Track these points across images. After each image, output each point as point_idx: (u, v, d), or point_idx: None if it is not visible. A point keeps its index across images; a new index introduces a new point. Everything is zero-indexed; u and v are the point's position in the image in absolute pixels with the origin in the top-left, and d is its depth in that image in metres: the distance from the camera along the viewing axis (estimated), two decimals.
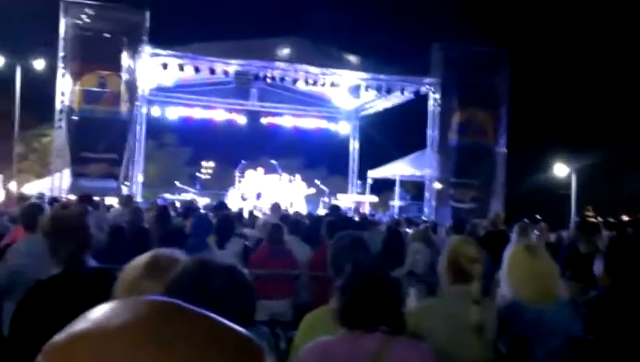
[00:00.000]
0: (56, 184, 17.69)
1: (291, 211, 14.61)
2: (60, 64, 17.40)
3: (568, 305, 3.33)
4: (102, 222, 6.68)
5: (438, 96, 19.68)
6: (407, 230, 11.72)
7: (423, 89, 19.95)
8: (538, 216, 15.75)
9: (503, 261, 3.37)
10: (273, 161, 22.94)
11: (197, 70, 18.01)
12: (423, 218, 18.09)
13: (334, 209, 10.66)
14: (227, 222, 7.01)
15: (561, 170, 26.11)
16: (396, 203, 22.89)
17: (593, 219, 16.86)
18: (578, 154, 25.37)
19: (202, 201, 19.46)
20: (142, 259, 1.95)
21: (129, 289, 1.91)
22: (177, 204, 14.37)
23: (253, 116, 23.38)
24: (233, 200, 19.60)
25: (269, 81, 19.34)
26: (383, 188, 25.11)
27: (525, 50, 20.35)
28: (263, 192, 21.10)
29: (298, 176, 22.07)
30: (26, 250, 4.54)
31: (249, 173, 22.46)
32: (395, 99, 21.17)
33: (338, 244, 3.39)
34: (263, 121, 23.58)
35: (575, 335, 3.13)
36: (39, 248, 4.43)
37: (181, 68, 17.91)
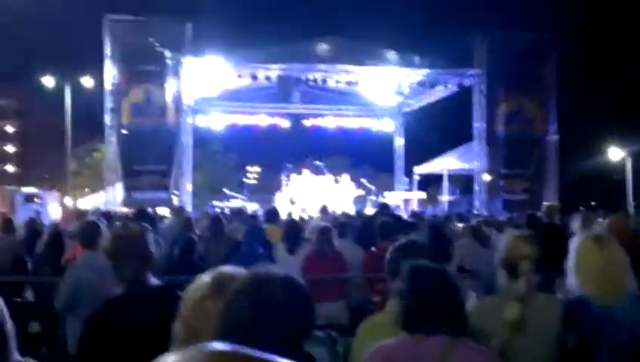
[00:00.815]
0: (109, 198, 18.16)
1: (339, 212, 14.58)
2: (107, 80, 17.86)
3: (638, 299, 3.14)
4: (159, 237, 6.81)
5: (483, 86, 19.29)
6: (458, 225, 11.54)
7: (467, 81, 19.61)
8: (593, 203, 15.26)
9: (570, 253, 3.21)
10: (318, 163, 22.96)
11: (239, 77, 18.21)
12: (475, 211, 17.80)
13: (384, 208, 10.53)
14: (294, 228, 7.06)
15: (615, 153, 25.26)
16: (445, 198, 22.62)
17: None
18: (632, 136, 24.48)
19: (250, 207, 19.64)
20: (205, 278, 1.96)
21: (194, 309, 1.92)
22: (227, 211, 14.52)
23: (296, 119, 23.46)
24: (281, 205, 19.72)
25: (310, 83, 19.39)
26: (430, 183, 24.85)
27: (573, 33, 19.71)
28: (309, 195, 21.15)
29: (345, 177, 22.01)
30: (86, 266, 4.67)
31: (295, 176, 22.55)
32: (438, 93, 20.88)
33: (394, 251, 3.35)
34: (306, 123, 23.63)
35: None
36: (98, 264, 4.57)
37: (224, 76, 18.14)
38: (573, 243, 3.24)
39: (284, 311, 1.56)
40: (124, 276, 2.85)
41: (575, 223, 7.27)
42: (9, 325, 1.94)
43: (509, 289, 3.13)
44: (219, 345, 0.79)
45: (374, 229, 6.74)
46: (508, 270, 3.17)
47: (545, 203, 16.64)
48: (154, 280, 2.95)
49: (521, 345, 2.92)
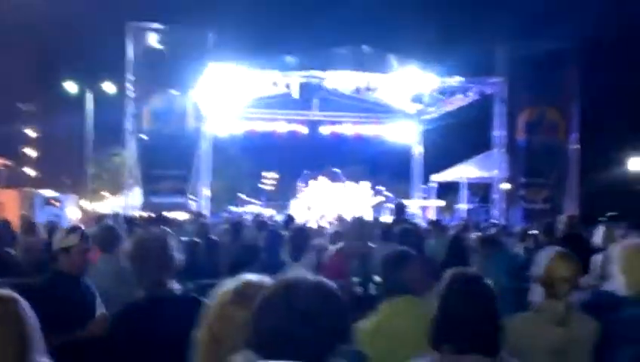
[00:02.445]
0: (128, 202, 18.29)
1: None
2: (129, 86, 18.02)
3: None
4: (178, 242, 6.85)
5: (504, 95, 19.15)
6: (478, 234, 11.42)
7: (488, 89, 19.49)
8: (613, 214, 15.02)
9: (613, 258, 3.23)
10: (336, 170, 22.93)
11: (260, 84, 18.27)
12: (493, 221, 17.63)
13: (400, 208, 10.09)
14: (302, 236, 7.00)
15: (635, 164, 24.92)
16: (463, 206, 22.44)
17: None
18: None
19: (267, 212, 19.66)
20: (230, 285, 1.94)
21: (218, 317, 1.91)
22: (248, 217, 14.55)
23: (315, 126, 23.45)
24: (298, 211, 19.70)
25: (329, 90, 19.38)
26: (448, 191, 24.68)
27: (595, 43, 19.50)
28: (327, 202, 21.11)
29: (362, 184, 21.95)
30: (103, 270, 4.68)
31: (312, 183, 22.52)
32: (458, 101, 20.77)
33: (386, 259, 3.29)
34: (325, 130, 23.62)
35: None
36: (116, 268, 4.58)
37: (244, 83, 18.21)
38: (619, 249, 3.26)
39: (317, 317, 1.53)
40: (146, 281, 2.85)
41: (598, 236, 7.16)
42: (31, 327, 1.93)
43: (546, 308, 3.06)
44: None
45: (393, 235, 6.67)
46: (545, 288, 3.09)
47: (566, 213, 16.46)
48: (176, 286, 2.94)
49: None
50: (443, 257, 6.94)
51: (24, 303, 1.95)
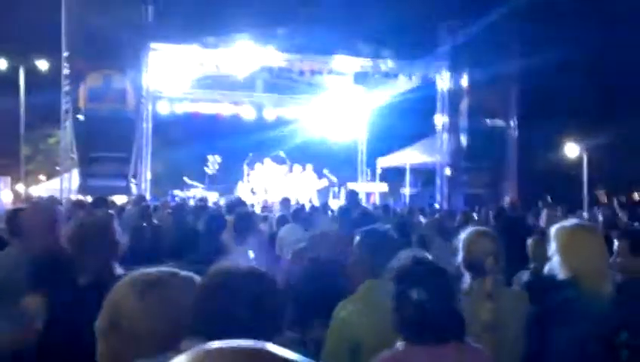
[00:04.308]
0: (65, 185, 17.62)
1: (301, 202, 14.44)
2: (64, 63, 17.27)
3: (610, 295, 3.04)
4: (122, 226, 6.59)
5: (447, 78, 19.40)
6: (421, 219, 11.56)
7: (432, 73, 19.67)
8: (549, 198, 15.50)
9: (554, 242, 3.13)
10: (281, 153, 22.75)
11: (202, 64, 17.85)
12: (436, 205, 17.93)
13: (352, 196, 10.02)
14: (246, 220, 6.86)
15: (572, 149, 25.78)
16: (407, 191, 22.70)
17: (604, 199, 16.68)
18: (589, 132, 25.01)
19: (211, 196, 19.34)
20: (128, 278, 1.74)
21: (114, 307, 1.71)
22: (191, 202, 14.24)
23: (260, 108, 23.21)
24: (243, 195, 19.46)
25: (274, 72, 19.15)
26: (393, 176, 24.91)
27: (534, 25, 19.93)
28: (272, 185, 20.96)
29: (309, 167, 21.88)
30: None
31: (257, 166, 22.29)
32: (402, 85, 20.88)
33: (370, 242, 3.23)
34: (269, 113, 23.41)
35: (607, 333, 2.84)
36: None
37: (186, 63, 17.76)
38: (557, 231, 3.14)
39: (254, 302, 1.55)
40: (89, 266, 2.67)
41: (541, 219, 7.37)
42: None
43: (474, 287, 3.07)
44: (245, 343, 0.73)
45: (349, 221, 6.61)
46: (472, 268, 3.11)
47: (506, 197, 16.90)
48: (120, 271, 2.79)
49: (492, 342, 2.84)
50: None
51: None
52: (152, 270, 1.70)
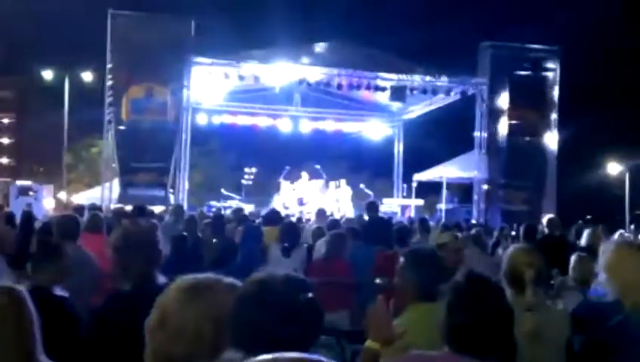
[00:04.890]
0: (105, 194, 17.99)
1: (337, 216, 14.44)
2: (108, 75, 17.71)
3: None
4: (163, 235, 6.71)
5: (485, 96, 19.26)
6: (458, 234, 11.42)
7: (471, 89, 19.56)
8: (589, 217, 15.21)
9: (601, 258, 3.13)
10: (317, 166, 22.85)
11: (241, 78, 18.07)
12: (473, 221, 17.70)
13: (371, 206, 9.82)
14: (291, 231, 6.92)
15: (614, 168, 25.25)
16: (443, 206, 22.49)
17: None
18: (631, 151, 24.48)
19: (247, 208, 19.51)
20: (178, 283, 1.80)
21: (163, 313, 1.78)
22: (228, 212, 14.39)
23: (296, 121, 23.34)
24: (278, 207, 19.58)
25: (311, 86, 19.25)
26: (428, 191, 24.76)
27: (576, 46, 19.72)
28: (307, 198, 21.02)
29: (343, 181, 21.89)
30: None
31: (293, 179, 22.42)
32: (440, 100, 20.79)
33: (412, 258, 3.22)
34: (306, 126, 23.53)
35: None
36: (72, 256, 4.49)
37: (226, 76, 18.00)
38: (607, 250, 3.13)
39: (290, 311, 1.56)
40: (131, 272, 2.74)
41: (583, 238, 7.23)
42: (29, 319, 1.96)
43: (517, 303, 3.05)
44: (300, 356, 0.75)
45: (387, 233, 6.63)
46: (513, 284, 3.10)
47: (544, 215, 16.58)
48: (161, 278, 2.84)
49: (535, 356, 2.86)
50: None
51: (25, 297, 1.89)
52: (200, 275, 1.77)
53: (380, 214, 10.12)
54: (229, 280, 1.76)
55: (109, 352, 2.54)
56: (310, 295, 1.62)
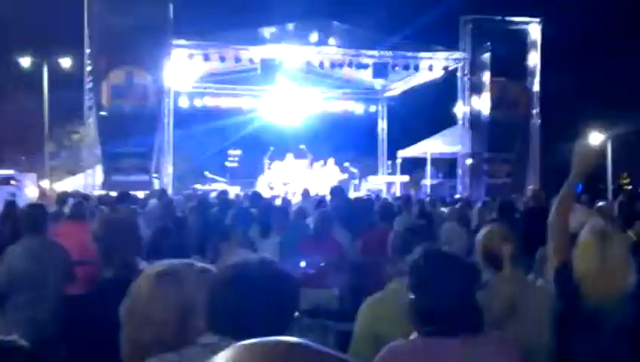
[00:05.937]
0: (89, 181, 17.87)
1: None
2: (87, 61, 17.48)
3: (633, 299, 2.87)
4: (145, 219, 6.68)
5: (468, 70, 19.29)
6: (443, 209, 11.52)
7: (453, 64, 19.57)
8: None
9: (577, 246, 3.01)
10: (302, 146, 22.79)
11: (222, 59, 17.93)
12: (457, 196, 17.83)
13: (335, 191, 9.98)
14: (271, 211, 6.93)
15: (596, 138, 25.45)
16: (428, 181, 22.60)
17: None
18: (612, 121, 24.70)
19: (233, 190, 19.46)
20: (153, 268, 1.83)
21: (145, 296, 1.80)
22: (213, 195, 14.36)
23: (279, 101, 23.21)
24: (263, 188, 19.56)
25: (293, 65, 19.17)
26: (413, 167, 24.83)
27: (556, 18, 19.74)
28: (293, 178, 21.01)
29: (330, 160, 21.89)
30: (24, 252, 4.57)
31: (278, 159, 22.36)
32: (423, 76, 20.78)
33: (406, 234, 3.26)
34: (289, 106, 23.41)
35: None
36: (36, 250, 4.48)
37: (206, 58, 17.86)
38: (582, 235, 3.01)
39: (266, 293, 1.57)
40: (112, 260, 2.74)
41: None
42: None
43: (496, 280, 3.06)
44: (281, 339, 0.75)
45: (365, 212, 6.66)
46: (490, 262, 3.11)
47: (529, 187, 16.76)
48: (143, 264, 2.85)
49: (515, 332, 2.81)
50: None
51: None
52: (173, 261, 1.80)
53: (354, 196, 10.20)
54: (201, 265, 1.79)
55: (90, 340, 2.55)
56: (285, 277, 1.65)
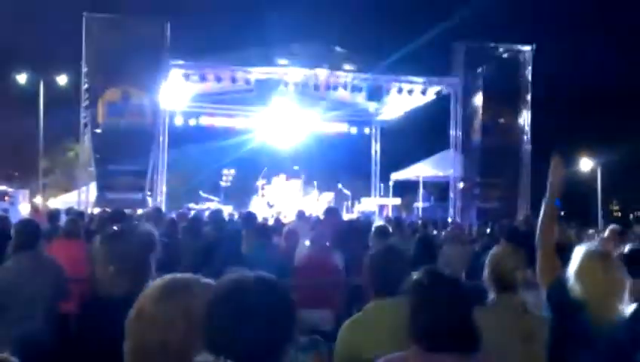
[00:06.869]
0: (82, 198, 17.87)
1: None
2: (84, 79, 17.58)
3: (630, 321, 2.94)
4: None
5: (460, 95, 19.51)
6: (435, 232, 11.65)
7: (445, 89, 19.80)
8: (562, 213, 15.48)
9: (572, 264, 3.10)
10: (296, 167, 22.92)
11: (218, 80, 18.08)
12: (449, 219, 17.95)
13: (330, 211, 10.16)
14: (260, 232, 7.01)
15: (586, 164, 25.72)
16: (420, 204, 22.74)
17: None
18: (603, 148, 24.96)
19: (226, 210, 19.50)
20: (156, 283, 1.83)
21: (140, 315, 1.79)
22: (206, 214, 14.41)
23: (274, 123, 23.32)
24: (257, 208, 19.62)
25: (288, 87, 19.32)
26: (405, 190, 25.00)
27: (548, 46, 20.03)
28: (286, 199, 21.10)
29: (329, 194, 22.00)
30: (13, 268, 4.60)
31: (272, 180, 22.46)
32: (416, 100, 20.99)
33: (379, 256, 3.31)
34: (284, 127, 23.54)
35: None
36: (26, 266, 4.51)
37: (203, 78, 18.00)
38: (576, 257, 3.10)
39: (263, 311, 1.54)
40: (125, 277, 2.77)
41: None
42: None
43: (502, 302, 3.16)
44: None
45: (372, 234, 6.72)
46: (500, 286, 3.20)
47: (520, 212, 16.90)
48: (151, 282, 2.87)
49: (528, 355, 2.98)
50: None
51: None
52: (178, 274, 1.82)
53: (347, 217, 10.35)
54: (207, 280, 1.78)
55: (96, 356, 2.57)
56: (283, 295, 1.61)
